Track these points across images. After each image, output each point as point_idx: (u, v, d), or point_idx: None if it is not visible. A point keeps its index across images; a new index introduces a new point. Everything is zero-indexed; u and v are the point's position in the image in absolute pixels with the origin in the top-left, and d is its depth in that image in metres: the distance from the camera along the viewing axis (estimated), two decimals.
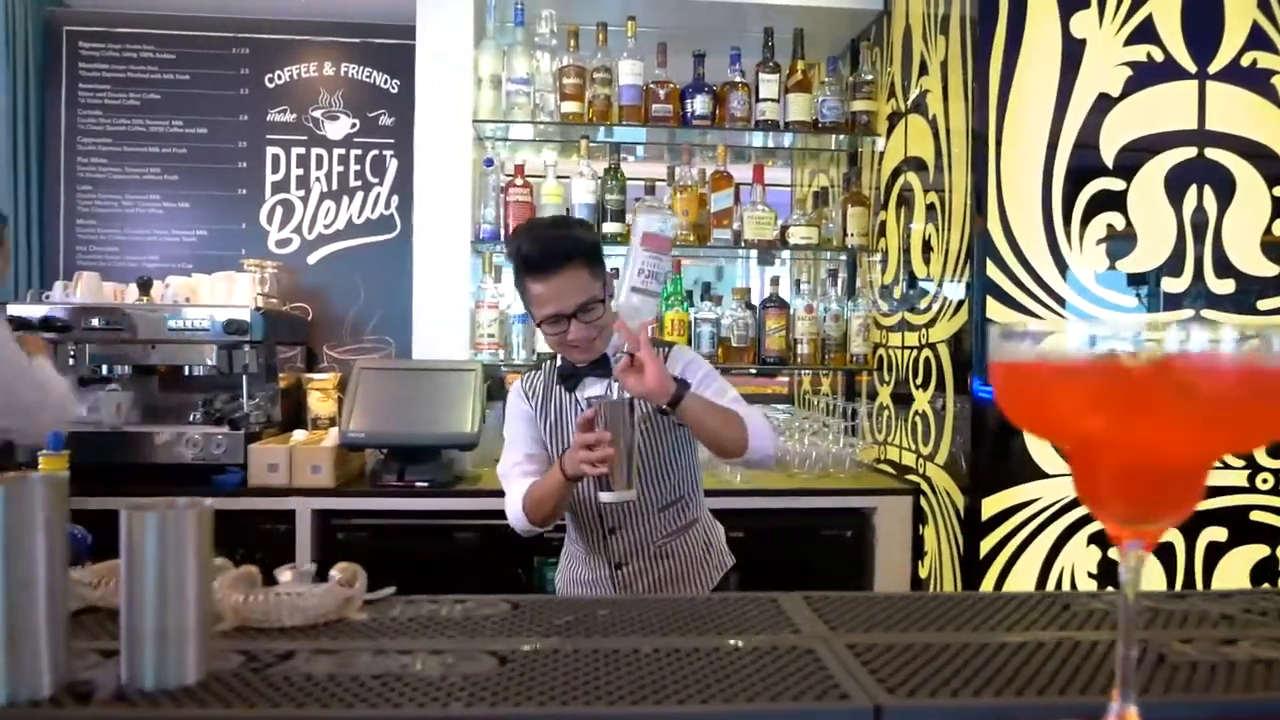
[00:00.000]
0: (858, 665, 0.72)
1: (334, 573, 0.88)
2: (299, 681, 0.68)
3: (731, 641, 0.78)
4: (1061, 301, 2.48)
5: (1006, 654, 0.76)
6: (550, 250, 1.80)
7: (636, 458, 1.70)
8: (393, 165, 3.24)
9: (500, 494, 2.77)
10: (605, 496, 1.68)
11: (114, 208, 3.19)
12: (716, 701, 0.65)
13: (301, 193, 3.23)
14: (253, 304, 2.84)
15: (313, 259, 3.24)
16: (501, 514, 2.77)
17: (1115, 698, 0.60)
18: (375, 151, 3.24)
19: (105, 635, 0.79)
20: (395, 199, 3.23)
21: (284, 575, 0.94)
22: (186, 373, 2.89)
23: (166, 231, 3.21)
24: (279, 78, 3.21)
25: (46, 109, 3.18)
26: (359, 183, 3.23)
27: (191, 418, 2.93)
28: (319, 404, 3.09)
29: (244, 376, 2.85)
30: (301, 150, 3.22)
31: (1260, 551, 2.54)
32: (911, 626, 0.82)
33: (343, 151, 3.23)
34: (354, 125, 3.23)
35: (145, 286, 2.87)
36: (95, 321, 2.74)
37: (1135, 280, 2.52)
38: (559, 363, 1.99)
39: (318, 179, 3.23)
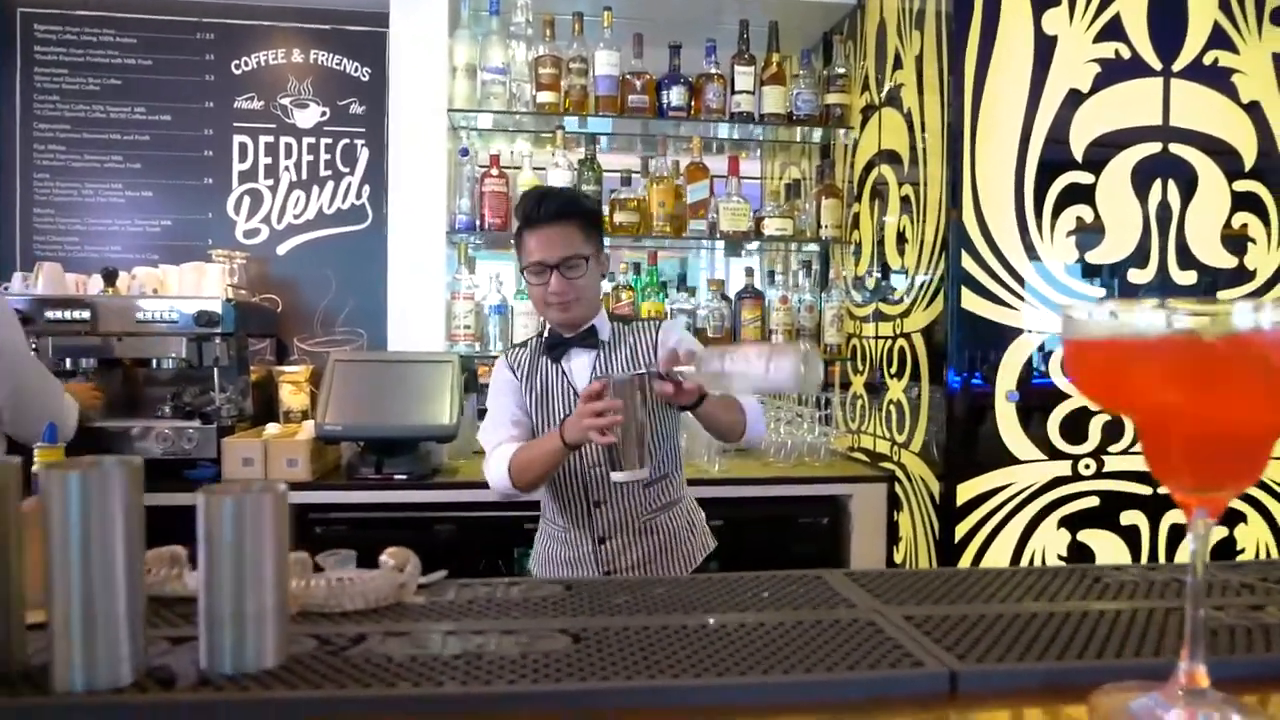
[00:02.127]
0: (920, 635, 0.75)
1: (385, 558, 0.88)
2: (380, 662, 0.68)
3: (793, 615, 0.79)
4: (1034, 292, 2.54)
5: (1055, 623, 0.79)
6: (549, 204, 1.87)
7: (648, 435, 1.71)
8: (364, 155, 3.19)
9: (480, 485, 2.78)
10: (617, 476, 1.68)
11: (73, 196, 3.10)
12: (798, 672, 0.67)
13: (270, 182, 3.17)
14: (224, 295, 2.79)
15: (282, 249, 3.18)
16: (481, 506, 2.79)
17: (1184, 657, 0.63)
18: (346, 141, 3.19)
19: (163, 622, 0.78)
20: (366, 189, 3.19)
21: (326, 561, 0.93)
22: (154, 365, 2.82)
23: (129, 221, 3.13)
24: (246, 64, 3.15)
25: (0, 94, 3.08)
26: (329, 172, 3.19)
27: (160, 412, 2.86)
28: (291, 397, 3.05)
29: (215, 369, 2.80)
30: (270, 139, 3.17)
31: (1219, 533, 2.63)
32: (959, 599, 0.85)
33: (312, 140, 3.18)
34: (324, 114, 3.18)
35: (111, 277, 2.80)
36: (58, 314, 2.67)
37: (1101, 271, 2.59)
38: (546, 334, 2.03)
39: (287, 168, 3.17)
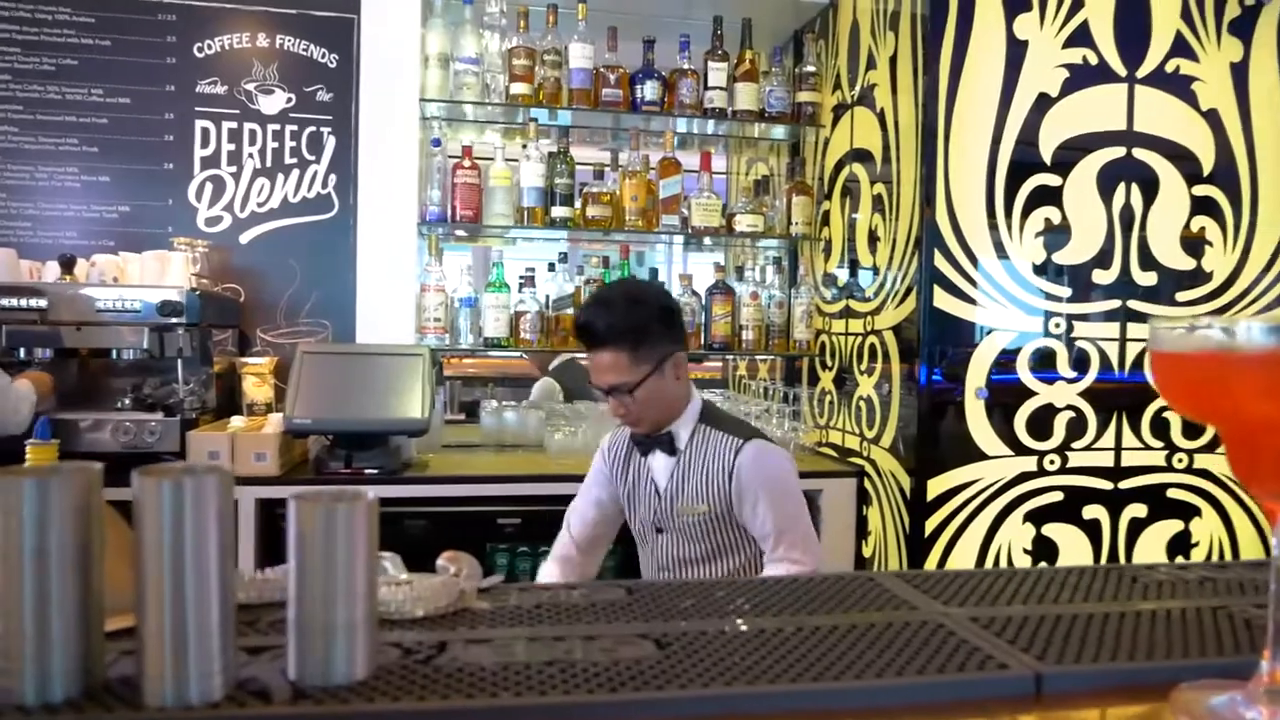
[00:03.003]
0: (992, 637, 0.76)
1: (444, 562, 0.87)
2: (474, 671, 0.67)
3: (865, 617, 0.81)
4: (1003, 291, 2.60)
5: (1115, 622, 0.81)
6: (589, 329, 1.91)
7: None
8: (330, 143, 3.12)
9: (451, 480, 2.77)
10: None
11: (25, 179, 2.98)
12: (889, 674, 0.68)
13: (233, 169, 3.08)
14: (187, 285, 2.71)
15: (245, 238, 3.10)
16: (453, 500, 2.78)
17: (1266, 656, 0.66)
18: (312, 128, 3.11)
19: None
20: (333, 178, 3.12)
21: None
22: (115, 356, 2.73)
23: (85, 206, 3.01)
24: (209, 47, 3.05)
25: None
26: (294, 160, 3.11)
27: (119, 404, 2.77)
28: (255, 389, 2.98)
29: (178, 361, 2.72)
30: (233, 124, 3.07)
31: (1175, 526, 2.74)
32: (1014, 600, 0.87)
33: (277, 127, 3.10)
34: (290, 100, 3.10)
35: (69, 264, 2.69)
36: (13, 302, 2.57)
37: (1066, 271, 2.66)
38: None
39: (250, 155, 3.09)
